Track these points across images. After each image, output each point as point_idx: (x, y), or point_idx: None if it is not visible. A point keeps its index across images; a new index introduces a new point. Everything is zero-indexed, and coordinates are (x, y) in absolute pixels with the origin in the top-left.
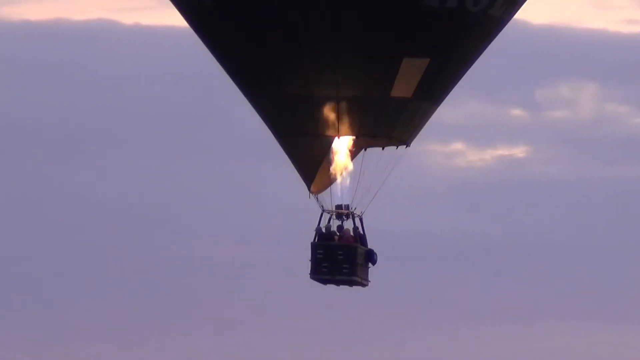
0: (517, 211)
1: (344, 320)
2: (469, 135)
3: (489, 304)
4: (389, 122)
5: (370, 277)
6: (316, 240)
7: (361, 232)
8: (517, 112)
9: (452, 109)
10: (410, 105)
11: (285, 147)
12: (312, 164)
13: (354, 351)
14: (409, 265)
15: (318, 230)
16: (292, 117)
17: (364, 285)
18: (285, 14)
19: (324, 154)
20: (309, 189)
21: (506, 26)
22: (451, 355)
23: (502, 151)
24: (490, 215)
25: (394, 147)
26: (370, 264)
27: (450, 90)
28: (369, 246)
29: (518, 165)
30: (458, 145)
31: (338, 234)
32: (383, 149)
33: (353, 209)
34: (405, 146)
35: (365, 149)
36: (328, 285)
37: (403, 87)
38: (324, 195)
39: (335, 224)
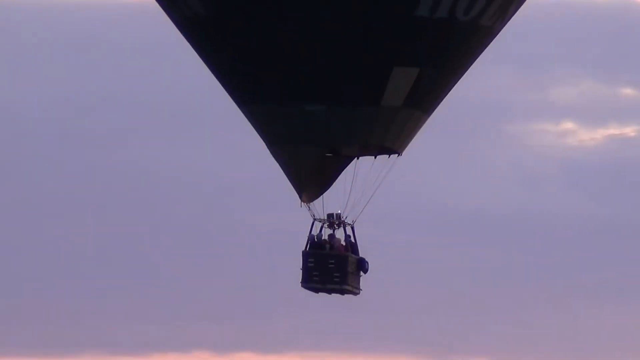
0: (627, 191)
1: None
2: (580, 115)
3: (604, 282)
4: (380, 131)
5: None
6: (307, 248)
7: (353, 240)
8: (628, 91)
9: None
10: (400, 114)
11: (275, 156)
12: (302, 173)
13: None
14: (522, 246)
15: (310, 238)
16: (282, 126)
17: (355, 293)
18: (276, 25)
19: (314, 164)
20: (300, 198)
21: (615, 6)
22: (577, 332)
23: (614, 130)
24: (601, 195)
25: (386, 156)
26: (362, 273)
27: (442, 100)
28: (361, 254)
29: (629, 144)
30: (569, 125)
31: (329, 242)
32: (375, 157)
33: (344, 217)
34: (397, 155)
35: (357, 158)
36: (320, 293)
37: (393, 96)
38: (315, 204)
39: (326, 232)
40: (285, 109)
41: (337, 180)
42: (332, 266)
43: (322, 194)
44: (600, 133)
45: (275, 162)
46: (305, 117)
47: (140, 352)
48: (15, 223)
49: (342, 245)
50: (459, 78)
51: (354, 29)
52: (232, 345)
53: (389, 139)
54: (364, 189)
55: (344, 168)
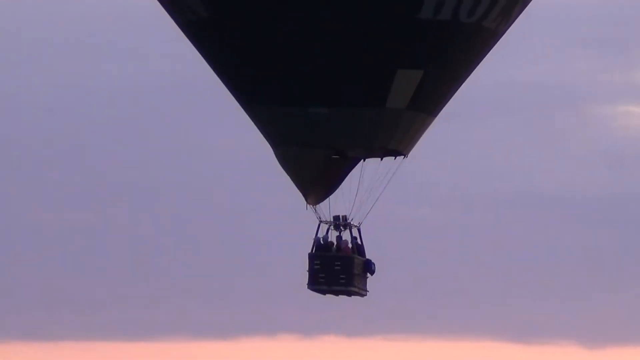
0: None
1: None
2: None
3: None
4: (385, 133)
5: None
6: (313, 251)
7: (359, 242)
8: None
9: None
10: (405, 116)
11: (280, 158)
12: (306, 176)
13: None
14: (608, 229)
15: (316, 240)
16: (285, 128)
17: (362, 295)
18: (280, 28)
19: (319, 166)
20: (305, 200)
21: None
22: None
23: None
24: None
25: (392, 158)
26: (368, 274)
27: (447, 102)
28: (367, 256)
29: None
30: None
31: (336, 244)
32: (382, 159)
33: (350, 219)
34: (403, 157)
35: (364, 160)
36: (327, 295)
37: (397, 98)
38: (322, 207)
39: (333, 234)
40: (289, 111)
41: (343, 183)
42: (338, 268)
43: (328, 196)
44: None
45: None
46: (308, 119)
47: (227, 336)
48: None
49: (348, 247)
50: (464, 80)
51: (357, 31)
52: (316, 329)
53: (394, 141)
54: (371, 190)
55: (350, 170)
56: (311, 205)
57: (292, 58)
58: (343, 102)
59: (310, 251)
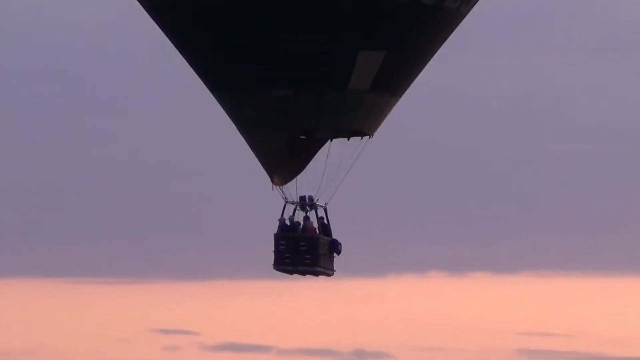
0: None
1: None
2: None
3: None
4: (348, 115)
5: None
6: (279, 231)
7: (326, 222)
8: None
9: None
10: (368, 98)
11: (247, 140)
12: (272, 157)
13: None
14: None
15: (281, 221)
16: (250, 112)
17: (328, 274)
18: (242, 11)
19: (284, 148)
20: (271, 181)
21: None
22: None
23: None
24: None
25: (358, 138)
26: (335, 254)
27: (411, 82)
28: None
29: None
30: None
31: (301, 225)
32: (348, 139)
33: (316, 199)
34: (368, 137)
35: (331, 140)
36: (294, 275)
37: (360, 79)
38: (288, 187)
39: (300, 215)
40: (253, 95)
41: (310, 163)
42: (303, 248)
43: (295, 176)
44: None
45: (247, 146)
46: (273, 102)
47: (377, 274)
48: None
49: (314, 227)
50: (427, 61)
51: (318, 13)
52: (466, 266)
53: (358, 122)
54: (337, 171)
55: (317, 150)
56: (277, 186)
57: (254, 42)
58: (306, 85)
59: (276, 232)
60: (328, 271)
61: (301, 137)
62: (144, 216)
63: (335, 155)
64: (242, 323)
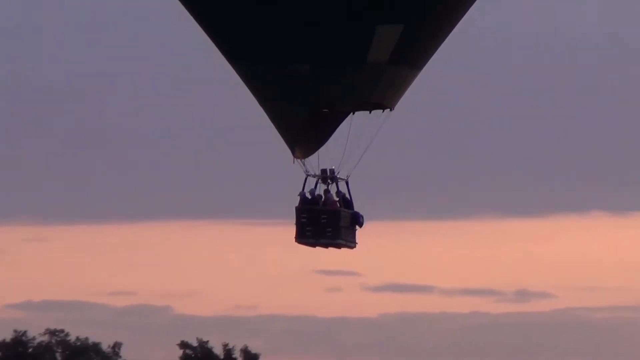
0: None
1: None
2: None
3: None
4: (367, 88)
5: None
6: (300, 204)
7: (347, 195)
8: None
9: None
10: (387, 71)
11: (267, 113)
12: (293, 130)
13: None
14: None
15: (302, 195)
16: (271, 85)
17: (350, 247)
18: None
19: (303, 122)
20: (293, 154)
21: None
22: None
23: None
24: None
25: (380, 111)
26: (357, 227)
27: (431, 55)
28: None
29: None
30: None
31: (323, 198)
32: (370, 112)
33: (337, 173)
34: (389, 110)
35: (353, 113)
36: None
37: (378, 53)
38: (311, 160)
39: (321, 188)
40: (271, 69)
41: (332, 136)
42: (324, 221)
43: (317, 149)
44: None
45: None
46: (291, 76)
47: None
48: None
49: (334, 200)
50: (448, 32)
51: None
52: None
53: (377, 95)
54: (359, 144)
55: (339, 124)
56: (298, 159)
57: (272, 16)
58: (324, 59)
59: (297, 205)
60: (350, 244)
61: (323, 110)
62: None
63: (356, 128)
64: (404, 264)
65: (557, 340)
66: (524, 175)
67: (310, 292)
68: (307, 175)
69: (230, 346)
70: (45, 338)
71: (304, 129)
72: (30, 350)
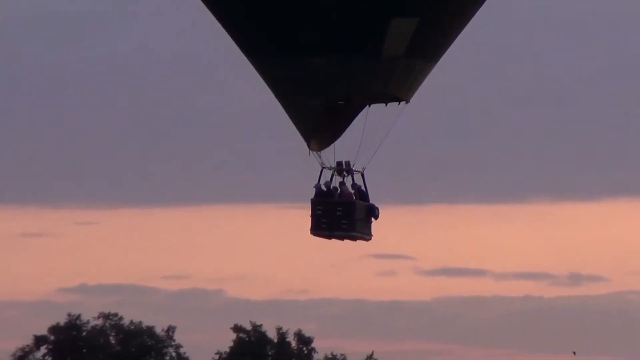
0: None
1: None
2: None
3: None
4: (382, 81)
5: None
6: (316, 197)
7: (363, 188)
8: None
9: None
10: (402, 64)
11: (283, 106)
12: (308, 123)
13: None
14: None
15: (317, 187)
16: (286, 78)
17: (365, 239)
18: None
19: (318, 115)
20: (308, 147)
21: None
22: None
23: None
24: None
25: (396, 103)
26: (372, 219)
27: (446, 48)
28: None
29: None
30: None
31: (339, 190)
32: (386, 105)
33: (353, 165)
34: (405, 102)
35: (369, 105)
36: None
37: (393, 46)
38: (327, 152)
39: (337, 180)
40: (285, 62)
41: (349, 128)
42: (339, 214)
43: (332, 142)
44: None
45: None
46: (306, 69)
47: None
48: None
49: (350, 192)
50: (463, 26)
51: None
52: None
53: (392, 88)
54: (375, 136)
55: (355, 116)
56: (314, 152)
57: (287, 8)
58: (339, 52)
59: (312, 197)
60: (365, 236)
61: (339, 102)
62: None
63: (372, 121)
64: (457, 248)
65: (609, 324)
66: (578, 159)
67: (363, 276)
68: (323, 168)
69: (283, 330)
70: (99, 322)
71: (320, 121)
72: (84, 334)
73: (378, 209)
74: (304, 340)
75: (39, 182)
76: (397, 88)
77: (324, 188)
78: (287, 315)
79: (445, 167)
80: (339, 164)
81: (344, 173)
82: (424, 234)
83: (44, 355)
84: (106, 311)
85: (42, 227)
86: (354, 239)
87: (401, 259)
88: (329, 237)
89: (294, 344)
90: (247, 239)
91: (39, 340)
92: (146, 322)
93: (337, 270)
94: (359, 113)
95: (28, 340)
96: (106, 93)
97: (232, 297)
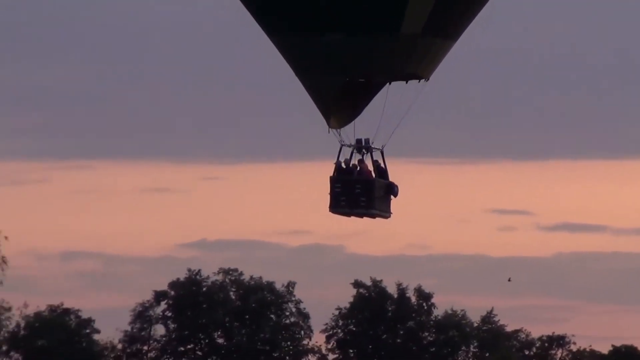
0: None
1: None
2: None
3: None
4: (401, 59)
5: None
6: (335, 174)
7: (382, 165)
8: None
9: None
10: (421, 41)
11: (302, 83)
12: (326, 101)
13: None
14: None
15: (337, 164)
16: (305, 55)
17: (384, 217)
18: None
19: (338, 92)
20: (328, 124)
21: None
22: None
23: None
24: None
25: (417, 81)
26: (392, 196)
27: (466, 26)
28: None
29: None
30: None
31: (358, 167)
32: (407, 82)
33: (372, 143)
34: (425, 80)
35: (389, 83)
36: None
37: (412, 23)
38: (346, 130)
39: (357, 158)
40: (304, 38)
41: (368, 106)
42: (358, 191)
43: (352, 120)
44: None
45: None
46: (324, 46)
47: None
48: None
49: (369, 170)
50: (482, 4)
51: None
52: None
53: (412, 65)
54: (395, 114)
55: (375, 94)
56: (334, 129)
57: None
58: (357, 29)
59: (332, 175)
60: (384, 213)
61: (360, 80)
62: None
63: (391, 99)
64: (578, 204)
65: None
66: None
67: (484, 231)
68: (342, 145)
69: (403, 285)
70: (219, 277)
71: (339, 98)
72: (204, 289)
73: (397, 187)
74: (424, 296)
75: (168, 137)
76: (417, 65)
77: (343, 165)
78: (407, 271)
79: (569, 122)
80: (359, 141)
81: (363, 150)
82: (546, 189)
83: (163, 311)
84: (226, 267)
85: (168, 182)
86: (373, 216)
87: (522, 215)
88: (348, 214)
89: (413, 299)
90: None
91: (159, 296)
92: (266, 277)
93: (458, 225)
94: (379, 91)
95: (148, 296)
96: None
97: (352, 253)
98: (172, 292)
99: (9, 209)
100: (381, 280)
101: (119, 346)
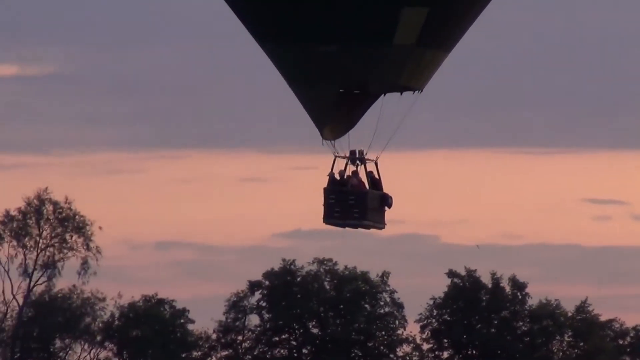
0: None
1: None
2: None
3: None
4: (394, 70)
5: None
6: (329, 185)
7: (376, 176)
8: None
9: None
10: (414, 53)
11: (296, 94)
12: (321, 112)
13: None
14: None
15: (331, 176)
16: (298, 67)
17: (379, 228)
18: None
19: (331, 103)
20: (321, 135)
21: None
22: None
23: None
24: None
25: (411, 93)
26: (386, 207)
27: (459, 37)
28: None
29: None
30: None
31: (351, 178)
32: (401, 94)
33: (366, 154)
34: (419, 92)
35: (384, 95)
36: (346, 228)
37: (405, 35)
38: (341, 141)
39: (350, 169)
40: (297, 49)
41: (364, 117)
42: (352, 202)
43: (346, 131)
44: None
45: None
46: (318, 58)
47: None
48: None
49: (363, 182)
50: (475, 16)
51: None
52: None
53: (405, 77)
54: (388, 125)
55: (370, 105)
56: (328, 140)
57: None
58: (351, 40)
59: (325, 186)
60: (378, 224)
61: (355, 91)
62: None
63: (386, 110)
64: None
65: None
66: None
67: (578, 220)
68: (336, 157)
69: (497, 275)
70: (314, 267)
71: (333, 110)
72: (298, 279)
73: (391, 198)
74: (518, 286)
75: (260, 127)
76: (410, 78)
77: (337, 177)
78: (502, 260)
79: None
80: (352, 152)
81: (357, 162)
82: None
83: (258, 301)
84: (320, 256)
85: (263, 172)
86: (367, 227)
87: (617, 204)
88: (342, 225)
89: (508, 289)
90: (462, 184)
91: (254, 286)
92: (361, 267)
93: (553, 215)
94: (372, 103)
95: (243, 286)
96: None
97: (447, 243)
98: (267, 282)
99: (104, 199)
100: (475, 270)
101: (214, 336)
